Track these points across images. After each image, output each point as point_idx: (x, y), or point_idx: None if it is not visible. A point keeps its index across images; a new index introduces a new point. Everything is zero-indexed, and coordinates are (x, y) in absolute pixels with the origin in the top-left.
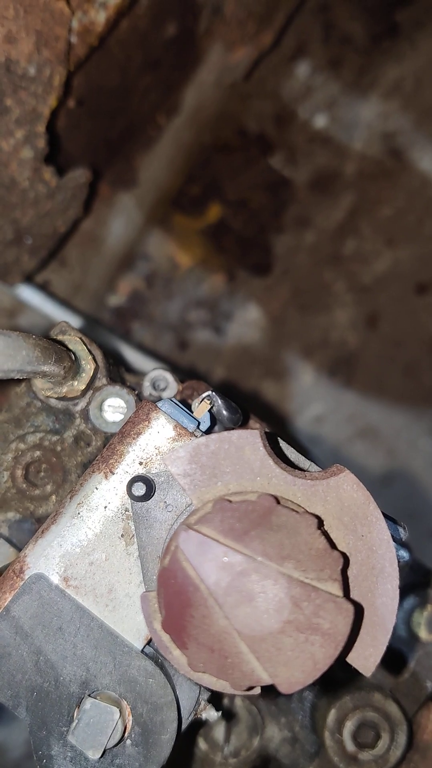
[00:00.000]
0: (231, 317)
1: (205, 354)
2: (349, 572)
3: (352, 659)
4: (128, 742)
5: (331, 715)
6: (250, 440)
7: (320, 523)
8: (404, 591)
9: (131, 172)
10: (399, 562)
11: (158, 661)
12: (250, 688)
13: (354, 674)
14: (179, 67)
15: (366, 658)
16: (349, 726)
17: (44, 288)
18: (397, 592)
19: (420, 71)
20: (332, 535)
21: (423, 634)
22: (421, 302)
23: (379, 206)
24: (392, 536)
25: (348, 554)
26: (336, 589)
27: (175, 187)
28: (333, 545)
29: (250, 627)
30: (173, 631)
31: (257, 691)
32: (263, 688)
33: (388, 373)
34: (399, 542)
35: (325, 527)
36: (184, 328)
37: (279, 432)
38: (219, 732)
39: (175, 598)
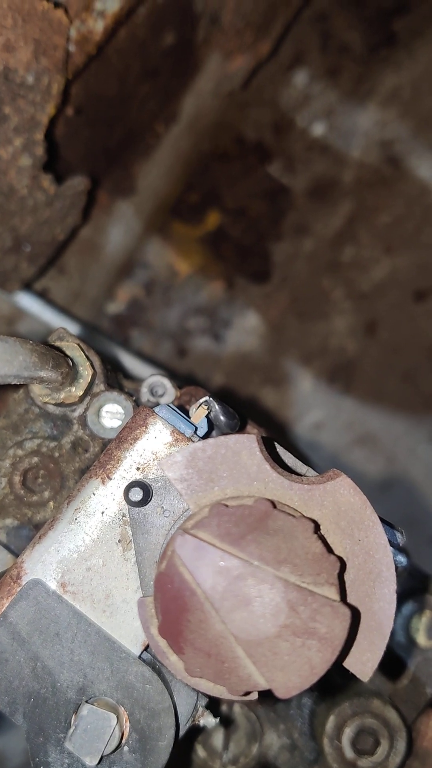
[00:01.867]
0: (230, 324)
1: (204, 361)
2: (347, 577)
3: (349, 664)
4: (126, 748)
5: (330, 722)
6: (246, 445)
7: (317, 527)
8: (403, 597)
9: (130, 180)
10: (397, 567)
11: (156, 667)
12: (247, 693)
13: (352, 680)
14: (177, 75)
15: (363, 663)
16: (348, 732)
17: (43, 296)
18: (395, 596)
19: (418, 80)
20: (329, 540)
21: (421, 640)
22: (419, 309)
23: (378, 214)
24: (390, 541)
25: (345, 558)
26: (333, 594)
27: (173, 195)
28: (330, 549)
29: (247, 631)
30: (170, 636)
31: (254, 696)
32: (260, 693)
33: (387, 380)
34: (396, 547)
35: (322, 531)
36: (183, 336)
37: (278, 438)
38: (218, 739)
39: (171, 602)
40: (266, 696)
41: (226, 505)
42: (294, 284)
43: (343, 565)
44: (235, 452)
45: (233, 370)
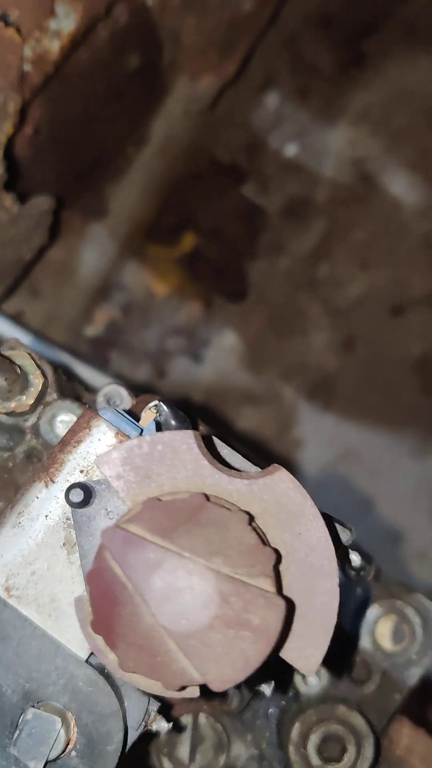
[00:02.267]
0: (208, 344)
1: (183, 381)
2: (288, 570)
3: (292, 659)
4: (73, 753)
5: (295, 729)
6: (184, 440)
7: (251, 519)
8: (367, 601)
9: (101, 203)
10: (355, 567)
11: (104, 670)
12: (184, 688)
13: (320, 687)
14: (145, 98)
15: (307, 658)
16: (313, 739)
17: (17, 319)
18: (337, 590)
19: (387, 98)
20: (269, 534)
21: (387, 644)
22: (396, 323)
23: (352, 231)
24: (339, 539)
25: (285, 552)
26: (267, 585)
27: (149, 218)
28: (264, 541)
29: (178, 623)
30: (103, 632)
31: (195, 692)
32: (204, 691)
33: (367, 395)
34: (347, 545)
35: (262, 526)
36: (162, 357)
37: (261, 456)
38: (184, 751)
39: (103, 597)
40: (207, 693)
41: (160, 500)
42: (271, 302)
43: (278, 557)
44: (172, 448)
45: (212, 389)
